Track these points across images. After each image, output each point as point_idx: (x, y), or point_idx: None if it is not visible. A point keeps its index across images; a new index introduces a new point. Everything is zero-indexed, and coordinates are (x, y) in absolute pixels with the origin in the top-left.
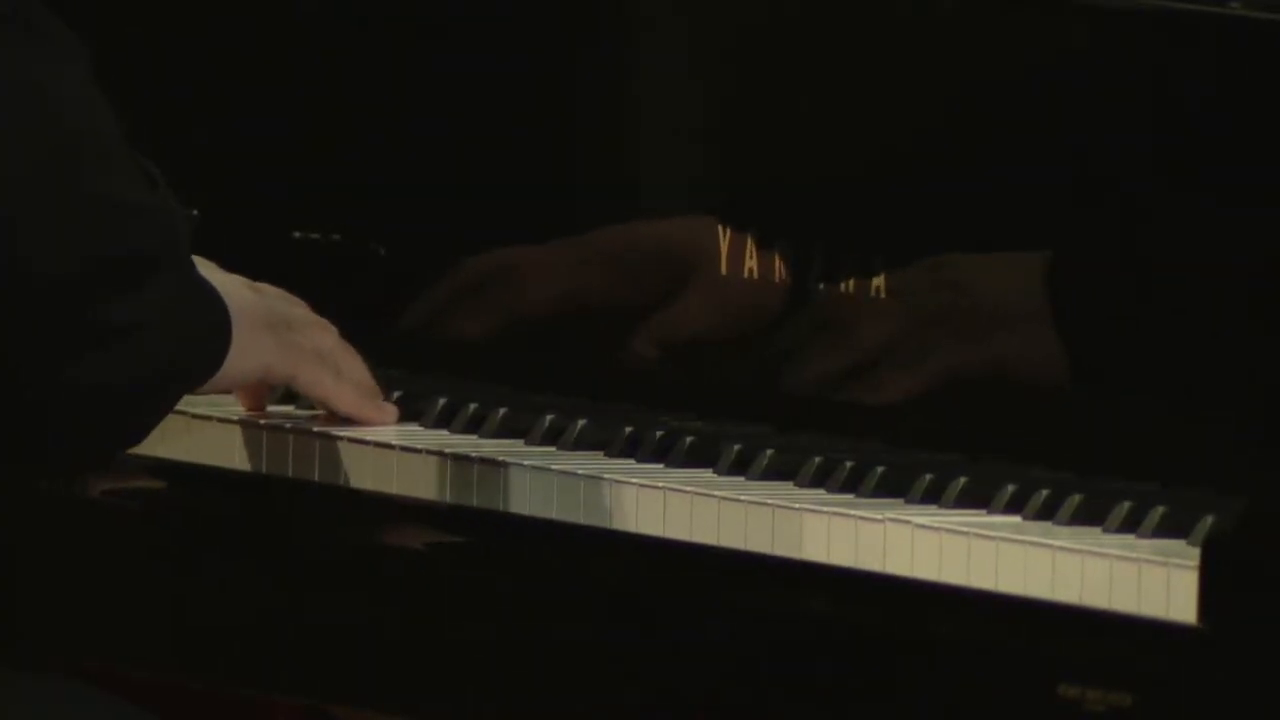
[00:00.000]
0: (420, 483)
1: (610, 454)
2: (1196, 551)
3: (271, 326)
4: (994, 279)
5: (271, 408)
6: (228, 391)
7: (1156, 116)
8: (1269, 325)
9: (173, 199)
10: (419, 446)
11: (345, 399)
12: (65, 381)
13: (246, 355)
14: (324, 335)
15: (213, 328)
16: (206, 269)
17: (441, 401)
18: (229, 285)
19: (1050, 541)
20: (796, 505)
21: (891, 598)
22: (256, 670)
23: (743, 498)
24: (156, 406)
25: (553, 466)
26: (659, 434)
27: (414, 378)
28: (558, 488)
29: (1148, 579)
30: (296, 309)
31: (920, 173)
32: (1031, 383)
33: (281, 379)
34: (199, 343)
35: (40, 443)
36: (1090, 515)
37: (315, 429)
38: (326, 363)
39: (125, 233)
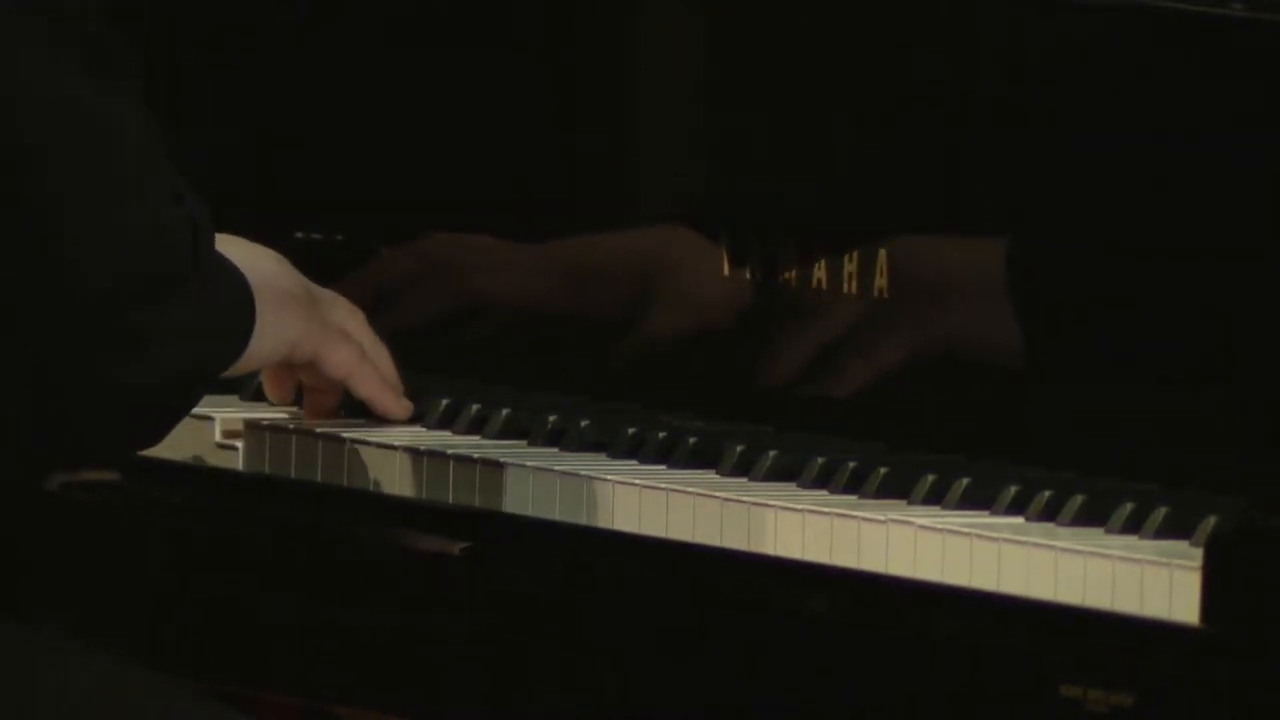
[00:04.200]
0: (423, 484)
1: (613, 455)
2: (1199, 552)
3: (297, 301)
4: (996, 282)
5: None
6: (254, 371)
7: (1156, 116)
8: (1270, 325)
9: (199, 207)
10: (422, 448)
11: (368, 381)
12: (95, 385)
13: (271, 333)
14: (351, 316)
15: (237, 311)
16: (233, 244)
17: (444, 403)
18: (255, 261)
19: (1053, 542)
20: (799, 506)
21: (894, 599)
22: (256, 670)
23: (745, 499)
24: (178, 406)
25: (555, 467)
26: (661, 435)
27: (416, 379)
28: (560, 489)
29: (1150, 580)
30: (325, 291)
31: (921, 173)
32: (1034, 383)
33: (307, 355)
34: (221, 339)
35: (71, 440)
36: (1093, 516)
37: (318, 430)
38: (352, 342)
39: (159, 250)
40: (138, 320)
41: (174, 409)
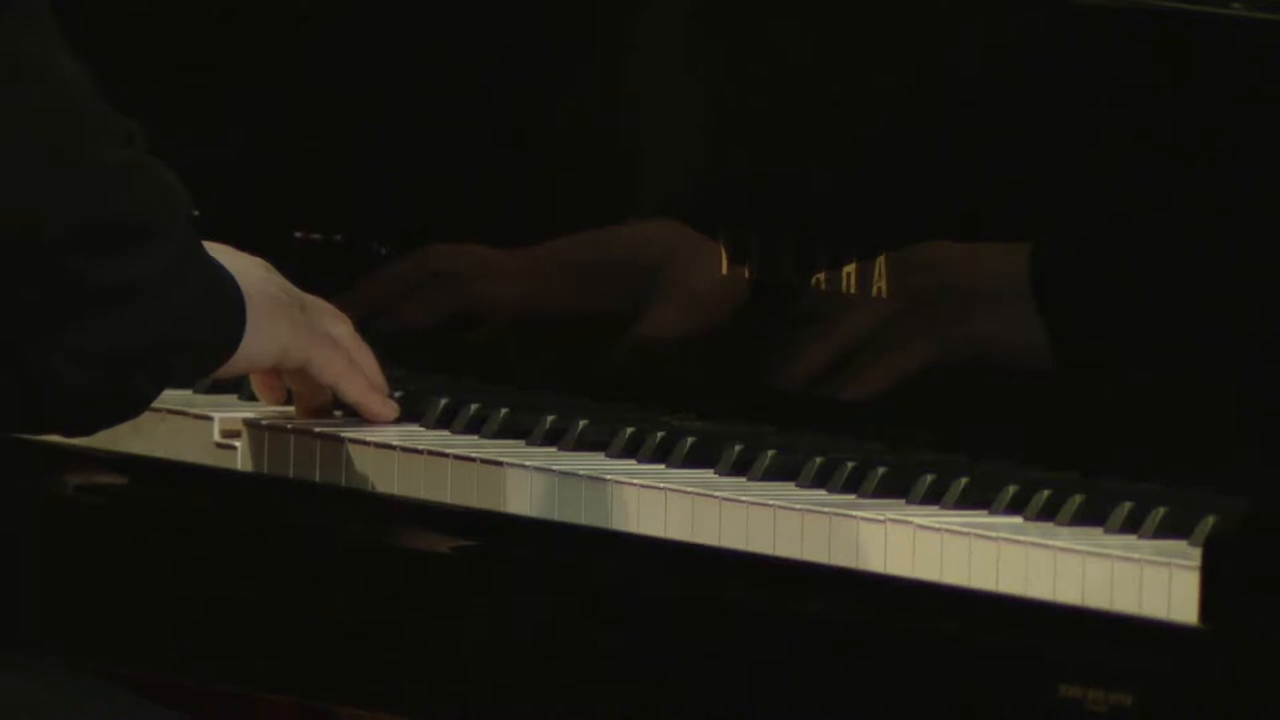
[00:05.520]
0: (422, 483)
1: (611, 454)
2: (1198, 552)
3: (287, 309)
4: (994, 281)
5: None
6: (244, 375)
7: (1156, 116)
8: (1269, 325)
9: (153, 160)
10: (421, 447)
11: (356, 386)
12: (60, 347)
13: (263, 337)
14: (338, 322)
15: (228, 310)
16: (222, 252)
17: (443, 402)
18: (244, 267)
19: (1052, 542)
20: (798, 506)
21: (893, 598)
22: (257, 670)
23: (744, 498)
24: (156, 375)
25: (554, 467)
26: (660, 434)
27: (415, 378)
28: (559, 488)
29: (1149, 579)
30: (312, 297)
31: (921, 172)
32: (1033, 383)
33: (298, 361)
34: (204, 315)
35: (37, 409)
36: (1092, 516)
37: (317, 429)
38: (339, 348)
39: (114, 199)
40: (98, 276)
41: (147, 377)
